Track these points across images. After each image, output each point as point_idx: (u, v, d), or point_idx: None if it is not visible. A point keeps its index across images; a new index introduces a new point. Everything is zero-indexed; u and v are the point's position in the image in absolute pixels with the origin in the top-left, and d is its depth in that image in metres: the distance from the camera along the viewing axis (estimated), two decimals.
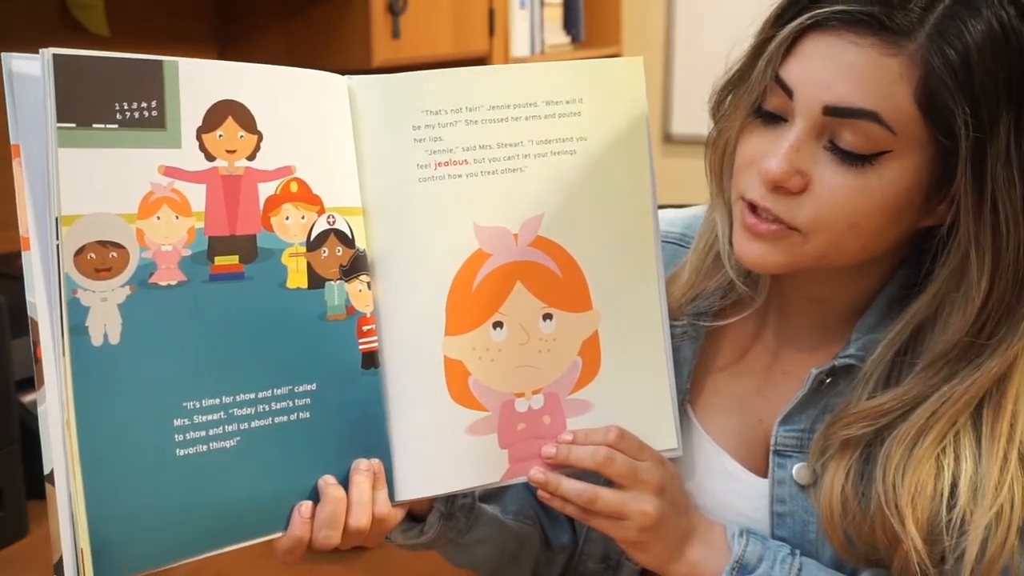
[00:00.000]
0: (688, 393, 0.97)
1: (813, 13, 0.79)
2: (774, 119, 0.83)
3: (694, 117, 3.17)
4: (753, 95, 0.83)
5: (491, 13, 2.23)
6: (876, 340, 0.87)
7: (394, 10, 1.86)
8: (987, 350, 0.81)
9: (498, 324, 0.86)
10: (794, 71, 0.80)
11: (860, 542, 0.86)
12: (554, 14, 2.84)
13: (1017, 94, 0.75)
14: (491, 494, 1.01)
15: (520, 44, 2.53)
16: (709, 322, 0.96)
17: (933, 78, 0.75)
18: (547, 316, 0.87)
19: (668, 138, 3.30)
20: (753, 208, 0.83)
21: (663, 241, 1.01)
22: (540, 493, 0.88)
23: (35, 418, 0.73)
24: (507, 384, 0.87)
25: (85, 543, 0.71)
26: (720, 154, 0.90)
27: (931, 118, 0.76)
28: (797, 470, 0.91)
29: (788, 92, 0.80)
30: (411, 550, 0.95)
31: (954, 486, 0.81)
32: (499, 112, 0.86)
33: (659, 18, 3.28)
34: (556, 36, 2.85)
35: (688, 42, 3.23)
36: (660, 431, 0.90)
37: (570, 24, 2.90)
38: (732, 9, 3.33)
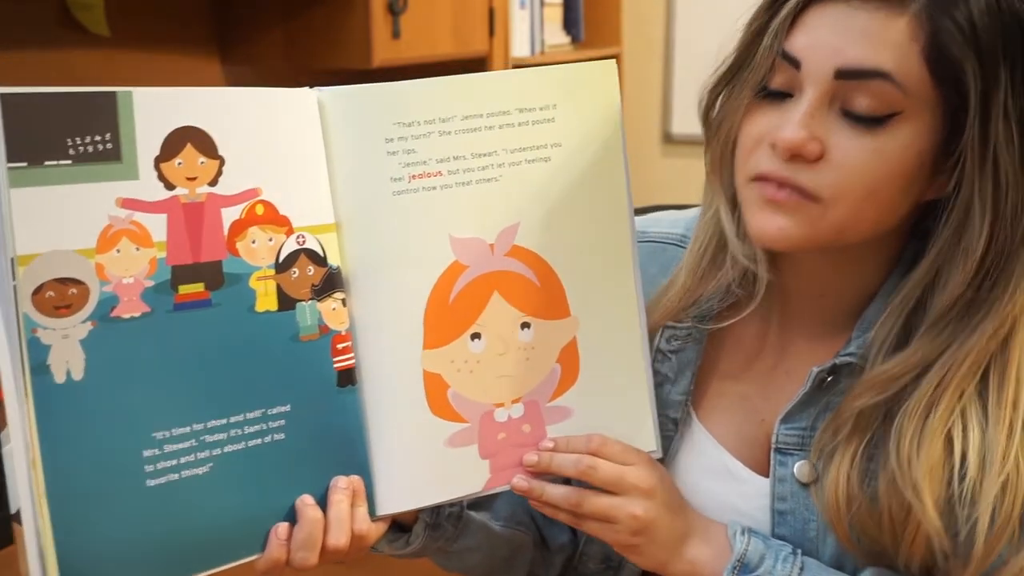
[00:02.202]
0: (691, 395, 0.96)
1: None
2: (779, 97, 0.82)
3: (694, 117, 3.14)
4: (758, 75, 0.83)
5: (491, 13, 2.20)
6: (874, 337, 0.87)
7: (394, 10, 1.85)
8: (984, 308, 0.81)
9: (476, 335, 0.85)
10: (800, 42, 0.80)
11: (864, 533, 0.85)
12: (554, 14, 2.80)
13: (1013, 48, 0.77)
14: (480, 501, 1.00)
15: (520, 44, 2.51)
16: (711, 325, 0.95)
17: (942, 35, 0.76)
18: (525, 325, 0.86)
19: (668, 138, 3.25)
20: (767, 182, 0.82)
21: (665, 243, 1.00)
22: (532, 502, 0.88)
23: None
24: (487, 395, 0.86)
25: None
26: (722, 144, 0.88)
27: (940, 76, 0.77)
28: (798, 468, 0.90)
29: (796, 64, 0.80)
30: (399, 558, 0.95)
31: (964, 457, 0.81)
32: (472, 122, 0.84)
33: (659, 18, 3.22)
34: (556, 36, 2.81)
35: (688, 42, 3.16)
36: (639, 434, 0.90)
37: (570, 24, 2.86)
38: (732, 9, 3.23)
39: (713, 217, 0.93)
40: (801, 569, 0.87)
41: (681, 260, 0.96)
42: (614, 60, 0.87)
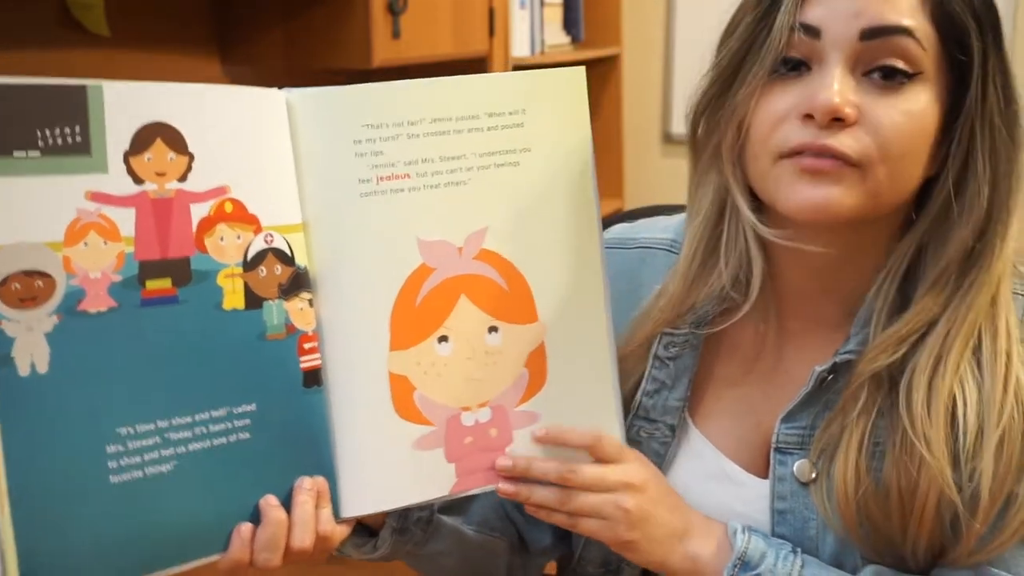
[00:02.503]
0: (688, 401, 0.96)
1: None
2: (794, 72, 0.83)
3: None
4: (774, 53, 0.83)
5: (491, 13, 2.21)
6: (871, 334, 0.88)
7: (394, 10, 1.85)
8: (979, 265, 0.85)
9: (443, 338, 0.85)
10: (817, 12, 0.82)
11: (871, 520, 0.86)
12: (554, 14, 2.82)
13: (993, 14, 0.83)
14: (453, 506, 1.00)
15: (520, 44, 2.51)
16: (708, 329, 0.95)
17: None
18: (492, 329, 0.87)
19: (668, 138, 3.26)
20: (802, 155, 0.82)
21: (657, 248, 1.01)
22: (501, 485, 0.87)
23: None
24: (453, 398, 0.86)
25: (14, 574, 0.71)
26: (736, 131, 0.87)
27: (946, 38, 0.81)
28: (798, 467, 0.90)
29: (816, 34, 0.82)
30: (369, 562, 0.95)
31: (964, 411, 0.83)
32: (441, 125, 0.84)
33: (659, 18, 3.23)
34: (556, 36, 2.83)
35: (688, 42, 3.15)
36: None
37: (570, 24, 2.88)
38: (732, 10, 3.26)
39: (702, 222, 0.93)
40: (802, 566, 0.87)
41: (672, 265, 0.97)
42: (583, 67, 0.88)
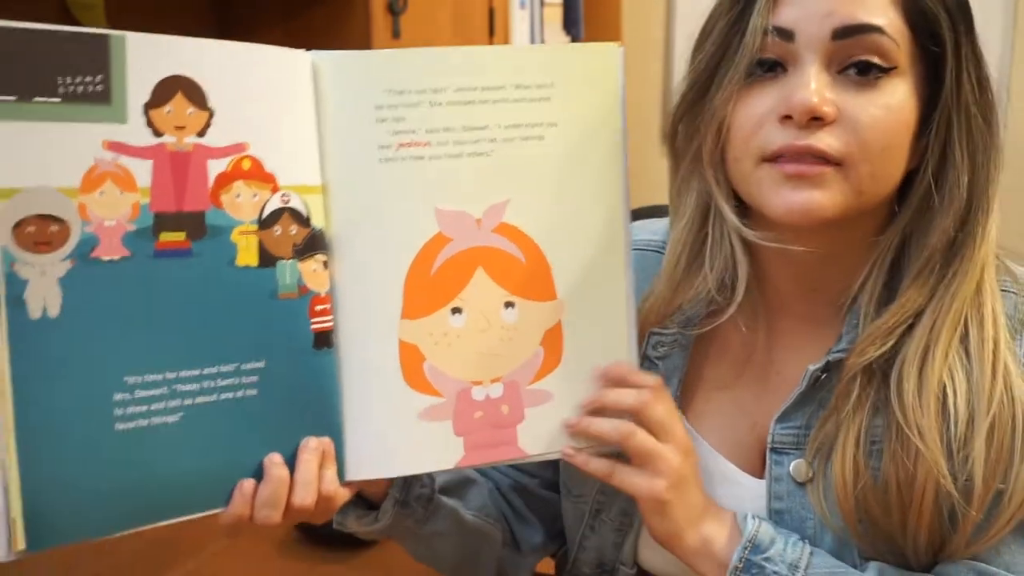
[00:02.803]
0: (679, 400, 0.96)
1: None
2: (770, 75, 0.84)
3: None
4: (748, 57, 0.83)
5: (491, 13, 2.20)
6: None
7: (394, 10, 1.85)
8: (962, 254, 0.85)
9: (457, 310, 0.85)
10: (789, 14, 0.82)
11: (870, 514, 0.85)
12: (554, 14, 2.79)
13: (964, 2, 0.83)
14: (452, 488, 1.00)
15: (520, 44, 2.45)
16: (696, 330, 0.95)
17: None
18: (509, 304, 0.86)
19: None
20: (784, 160, 0.82)
21: (647, 250, 1.01)
22: (564, 449, 0.86)
23: None
24: (464, 371, 0.86)
25: (17, 512, 0.72)
26: (715, 135, 0.87)
27: (919, 31, 0.82)
28: (794, 467, 0.89)
29: (789, 36, 0.82)
30: (367, 538, 0.95)
31: (955, 400, 0.83)
32: (465, 95, 0.84)
33: (659, 18, 3.22)
34: (556, 36, 2.81)
35: (688, 42, 3.10)
36: None
37: (570, 24, 2.85)
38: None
39: (686, 226, 0.93)
40: (811, 554, 0.85)
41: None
42: (616, 44, 0.87)
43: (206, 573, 0.84)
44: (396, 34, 1.86)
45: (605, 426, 0.85)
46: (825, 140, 0.81)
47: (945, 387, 0.83)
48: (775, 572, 0.83)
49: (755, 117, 0.84)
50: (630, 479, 0.84)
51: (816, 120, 0.81)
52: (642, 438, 0.84)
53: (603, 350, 0.88)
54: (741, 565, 0.83)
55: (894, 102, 0.82)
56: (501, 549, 1.04)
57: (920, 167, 0.85)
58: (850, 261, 0.89)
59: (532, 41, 2.57)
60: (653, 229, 1.04)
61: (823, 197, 0.81)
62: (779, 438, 0.90)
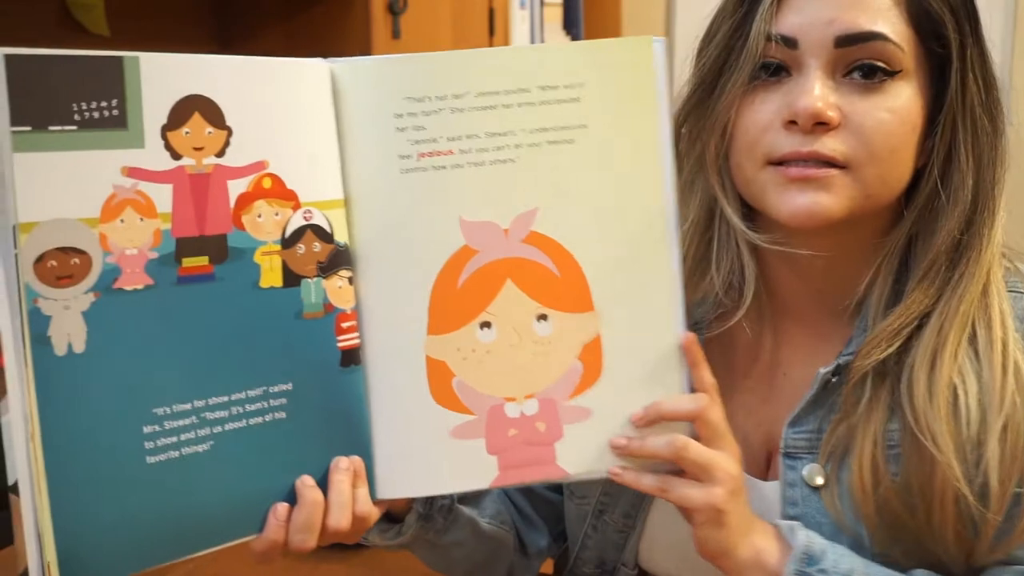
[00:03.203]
0: None
1: None
2: (775, 79, 0.84)
3: None
4: (751, 62, 0.83)
5: (491, 13, 2.19)
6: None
7: (394, 10, 1.83)
8: (967, 255, 0.85)
9: (486, 324, 0.82)
10: (792, 21, 0.82)
11: (892, 515, 0.83)
12: (554, 14, 2.78)
13: (969, 3, 0.84)
14: (469, 496, 0.99)
15: (520, 44, 2.45)
16: (705, 334, 0.93)
17: None
18: (542, 317, 0.83)
19: None
20: (789, 164, 0.82)
21: None
22: (612, 470, 0.83)
23: None
24: (496, 387, 0.83)
25: (52, 556, 0.70)
26: (719, 140, 0.86)
27: (924, 34, 0.82)
28: (808, 471, 0.88)
29: (792, 43, 0.82)
30: (387, 550, 0.94)
31: (967, 403, 0.82)
32: (488, 99, 0.81)
33: (659, 18, 3.21)
34: (556, 36, 2.79)
35: (688, 42, 3.10)
36: None
37: (570, 24, 2.84)
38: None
39: (691, 228, 0.92)
40: (864, 563, 0.84)
41: None
42: (650, 38, 0.82)
43: (207, 572, 0.82)
44: (396, 34, 1.85)
45: (657, 443, 0.81)
46: (830, 145, 0.81)
47: (956, 388, 0.82)
48: None
49: (760, 122, 0.83)
50: (686, 492, 0.80)
51: (821, 125, 0.81)
52: (697, 449, 0.80)
53: (648, 363, 0.83)
54: None
55: (899, 105, 0.82)
56: (512, 553, 1.03)
57: (926, 167, 0.85)
58: (856, 263, 0.88)
59: (532, 41, 2.55)
60: None
61: (828, 199, 0.81)
62: (791, 442, 0.89)
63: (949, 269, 0.85)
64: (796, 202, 0.82)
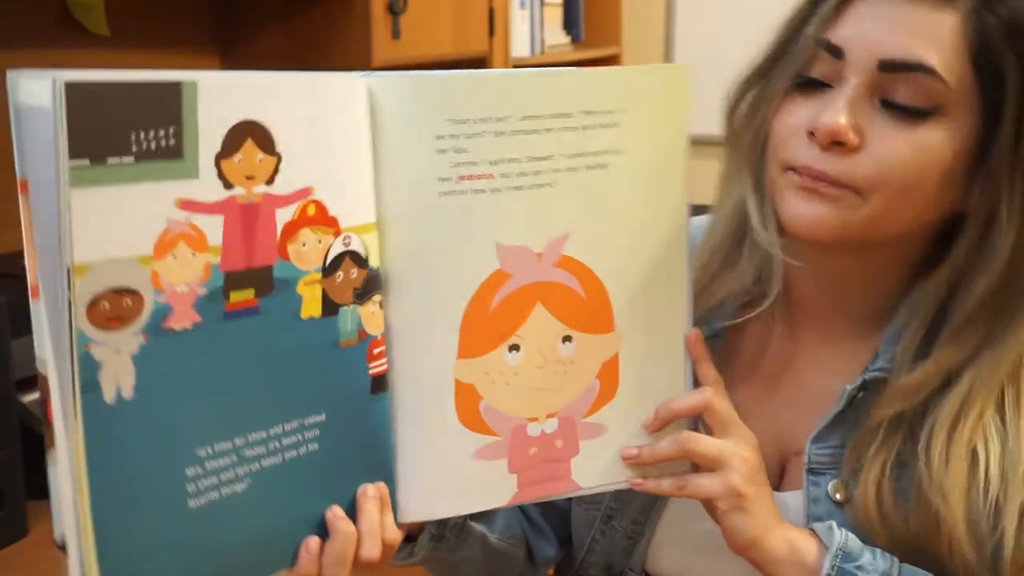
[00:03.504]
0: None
1: None
2: (817, 87, 0.82)
3: (694, 117, 3.10)
4: (796, 63, 0.83)
5: (491, 13, 2.18)
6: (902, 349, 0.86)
7: (394, 10, 1.82)
8: (1006, 319, 0.82)
9: (514, 347, 0.82)
10: (845, 32, 0.81)
11: (905, 543, 0.85)
12: (554, 14, 2.77)
13: None
14: (480, 513, 0.98)
15: (520, 44, 2.47)
16: (727, 321, 0.94)
17: (986, 31, 0.77)
18: (566, 338, 0.83)
19: None
20: (803, 174, 0.82)
21: None
22: (632, 480, 0.85)
23: (35, 418, 0.67)
24: (521, 408, 0.83)
25: None
26: (754, 134, 0.86)
27: (982, 74, 0.78)
28: (832, 486, 0.89)
29: (838, 54, 0.80)
30: (397, 567, 0.93)
31: (987, 469, 0.81)
32: (531, 123, 0.79)
33: (659, 18, 3.20)
34: (556, 36, 2.78)
35: (688, 42, 3.17)
36: None
37: (570, 24, 2.83)
38: (732, 9, 3.09)
39: (731, 215, 0.92)
40: (900, 563, 0.84)
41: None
42: (688, 67, 0.83)
43: None
44: (396, 34, 1.82)
45: (665, 445, 0.83)
46: (842, 167, 0.80)
47: (977, 452, 0.81)
48: None
49: (789, 126, 0.83)
50: (702, 482, 0.82)
51: (838, 144, 0.80)
52: (704, 441, 0.82)
53: (659, 381, 0.86)
54: (834, 573, 0.82)
55: (929, 143, 0.79)
56: (523, 563, 1.04)
57: (971, 211, 0.83)
58: (876, 286, 0.89)
59: (532, 41, 2.52)
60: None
61: (830, 215, 0.81)
62: (816, 458, 0.90)
63: (986, 328, 0.82)
64: (798, 209, 0.82)
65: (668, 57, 3.24)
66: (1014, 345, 0.82)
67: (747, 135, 0.87)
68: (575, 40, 2.91)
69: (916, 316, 0.86)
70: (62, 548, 0.66)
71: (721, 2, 3.04)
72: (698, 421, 0.87)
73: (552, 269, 0.82)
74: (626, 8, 3.09)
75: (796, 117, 0.83)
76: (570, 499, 1.04)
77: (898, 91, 0.79)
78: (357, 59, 1.80)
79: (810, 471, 0.90)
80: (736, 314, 0.93)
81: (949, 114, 0.79)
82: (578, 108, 0.80)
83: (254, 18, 1.89)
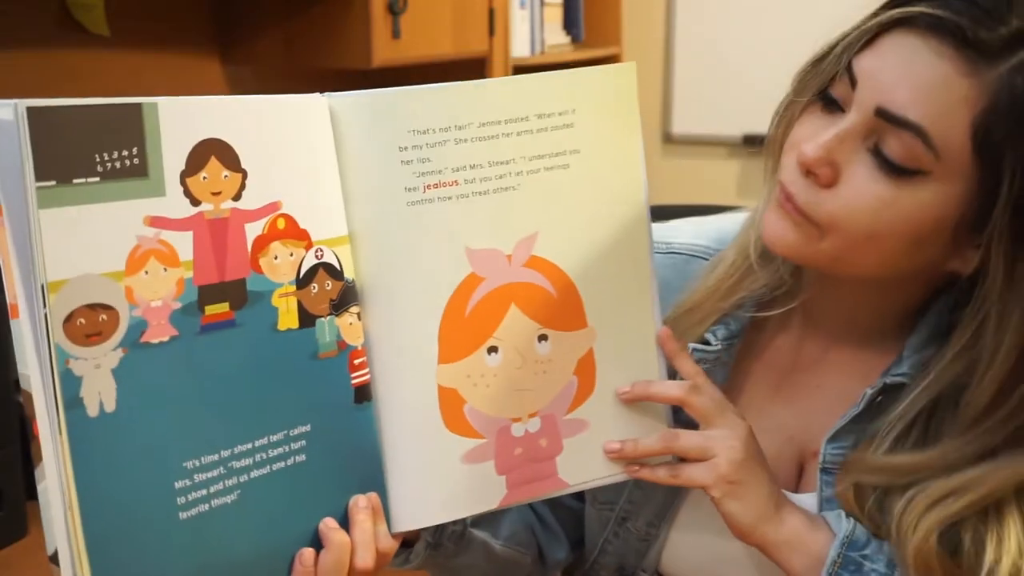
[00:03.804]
0: None
1: (906, 9, 0.77)
2: (834, 106, 0.81)
3: (694, 117, 3.08)
4: (823, 77, 0.82)
5: (491, 13, 2.20)
6: (929, 358, 0.86)
7: (394, 10, 1.84)
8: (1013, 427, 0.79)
9: (493, 349, 0.84)
10: (866, 64, 0.79)
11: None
12: (554, 14, 2.81)
13: None
14: (484, 519, 0.99)
15: (520, 44, 2.50)
16: (753, 312, 0.94)
17: (996, 112, 0.73)
18: (542, 337, 0.85)
19: (668, 138, 3.23)
20: (787, 194, 0.82)
21: (691, 255, 0.99)
22: (628, 469, 0.86)
23: None
24: (503, 409, 0.84)
25: None
26: (783, 129, 0.87)
27: (982, 152, 0.74)
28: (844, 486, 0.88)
29: (853, 82, 0.79)
30: (396, 570, 0.93)
31: (996, 563, 0.78)
32: (489, 129, 0.81)
33: (659, 18, 3.24)
34: (556, 36, 2.82)
35: (688, 42, 3.19)
36: None
37: (570, 24, 2.87)
38: (732, 10, 3.13)
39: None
40: None
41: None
42: (634, 64, 0.86)
43: None
44: (396, 34, 1.84)
45: (649, 442, 0.85)
46: (810, 197, 0.80)
47: (984, 547, 0.79)
48: (874, 570, 0.83)
49: (796, 138, 0.83)
50: (692, 472, 0.83)
51: (813, 174, 0.79)
52: (686, 435, 0.84)
53: (634, 372, 0.88)
54: (840, 560, 0.83)
55: (904, 202, 0.77)
56: (530, 567, 1.04)
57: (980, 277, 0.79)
58: (892, 298, 0.89)
59: (532, 41, 2.55)
60: (693, 232, 1.02)
61: (794, 239, 0.82)
62: (831, 458, 0.90)
63: (1005, 442, 0.79)
64: (771, 223, 0.84)
65: (668, 57, 3.27)
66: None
67: (777, 131, 0.88)
68: (575, 40, 2.93)
69: (925, 392, 0.84)
70: (55, 561, 0.67)
71: (721, 2, 3.06)
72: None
73: (522, 270, 0.84)
74: (626, 8, 3.12)
75: (803, 130, 0.82)
76: (583, 500, 1.05)
77: (888, 142, 0.77)
78: (357, 59, 1.82)
79: (824, 471, 0.90)
80: (766, 306, 0.93)
81: (935, 180, 0.76)
82: (532, 111, 0.83)
83: (254, 18, 1.91)
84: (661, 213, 1.05)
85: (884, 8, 0.79)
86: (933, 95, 0.75)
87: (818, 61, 0.84)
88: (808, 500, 0.91)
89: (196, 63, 1.89)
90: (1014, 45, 0.73)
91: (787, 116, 0.86)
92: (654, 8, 3.25)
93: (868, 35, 0.79)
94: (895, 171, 0.77)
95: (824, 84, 0.82)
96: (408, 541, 0.92)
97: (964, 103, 0.74)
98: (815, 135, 0.80)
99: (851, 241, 0.79)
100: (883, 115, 0.77)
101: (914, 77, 0.75)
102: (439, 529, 0.92)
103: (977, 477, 0.79)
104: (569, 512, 1.07)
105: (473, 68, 2.12)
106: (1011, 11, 0.73)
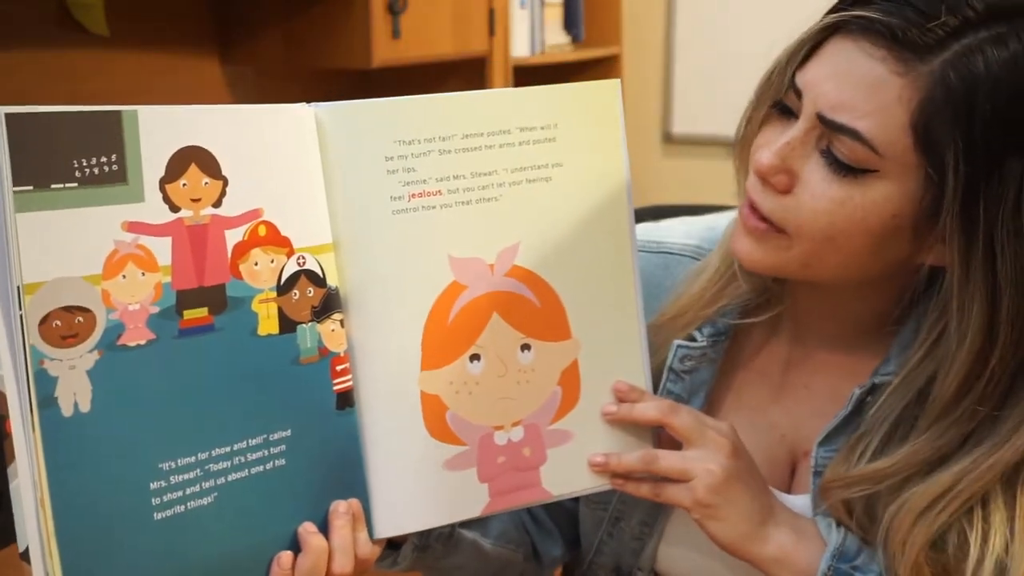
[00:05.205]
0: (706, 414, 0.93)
1: (840, 15, 0.78)
2: (789, 114, 0.82)
3: (694, 117, 3.06)
4: (775, 88, 0.83)
5: (491, 13, 2.21)
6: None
7: (394, 10, 1.85)
8: (1005, 421, 0.78)
9: (475, 357, 0.84)
10: (808, 72, 0.80)
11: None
12: (554, 14, 2.81)
13: (985, 131, 0.73)
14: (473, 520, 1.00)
15: (520, 44, 2.50)
16: (738, 319, 0.94)
17: (933, 107, 0.74)
18: (525, 347, 0.86)
19: (668, 138, 3.23)
20: (751, 204, 0.83)
21: (682, 255, 1.00)
22: (614, 481, 0.86)
23: None
24: (486, 417, 0.85)
25: None
26: (747, 145, 0.87)
27: (924, 148, 0.75)
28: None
29: (798, 94, 0.80)
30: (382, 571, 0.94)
31: (980, 561, 0.78)
32: (473, 140, 0.83)
33: (659, 18, 3.23)
34: (556, 36, 2.82)
35: (688, 42, 3.18)
36: None
37: (570, 24, 2.87)
38: (732, 9, 3.11)
39: None
40: None
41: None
42: (618, 81, 0.87)
43: None
44: (396, 34, 1.85)
45: (631, 459, 0.85)
46: (771, 205, 0.81)
47: (970, 543, 0.79)
48: None
49: (754, 150, 0.84)
50: (672, 493, 0.84)
51: (768, 183, 0.81)
52: (667, 458, 0.84)
53: (617, 380, 0.88)
54: (830, 573, 0.83)
55: (858, 200, 0.77)
56: (523, 565, 1.04)
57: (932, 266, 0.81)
58: (873, 299, 0.89)
59: (532, 41, 2.56)
60: (684, 231, 1.02)
61: (761, 254, 0.83)
62: (823, 460, 0.89)
63: (974, 431, 0.79)
64: (738, 244, 0.85)
65: (668, 57, 3.24)
66: (1012, 446, 0.78)
67: (741, 150, 0.89)
68: (575, 40, 2.93)
69: (895, 395, 0.85)
70: (25, 559, 0.69)
71: (721, 2, 3.04)
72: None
73: (505, 279, 0.85)
74: (626, 8, 3.11)
75: (763, 139, 0.84)
76: (577, 500, 1.05)
77: (835, 145, 0.78)
78: (357, 59, 1.83)
79: (816, 473, 0.90)
80: (740, 317, 0.94)
81: (886, 177, 0.77)
82: (515, 124, 0.84)
83: (254, 18, 1.92)
84: (661, 213, 1.05)
85: (824, 16, 0.80)
86: (868, 96, 0.75)
87: (770, 74, 0.85)
88: (801, 502, 0.91)
89: (196, 63, 1.90)
90: (946, 41, 0.74)
91: (749, 129, 0.87)
92: (654, 8, 3.24)
93: (810, 43, 0.80)
94: (846, 171, 0.78)
95: (778, 95, 0.83)
96: (395, 543, 0.92)
97: (899, 101, 0.75)
98: (770, 143, 0.82)
99: (813, 244, 0.80)
100: (824, 121, 0.78)
101: (849, 80, 0.76)
102: (426, 531, 0.93)
103: (959, 475, 0.79)
104: (564, 512, 1.07)
105: (473, 68, 2.13)
106: (943, 7, 0.74)
